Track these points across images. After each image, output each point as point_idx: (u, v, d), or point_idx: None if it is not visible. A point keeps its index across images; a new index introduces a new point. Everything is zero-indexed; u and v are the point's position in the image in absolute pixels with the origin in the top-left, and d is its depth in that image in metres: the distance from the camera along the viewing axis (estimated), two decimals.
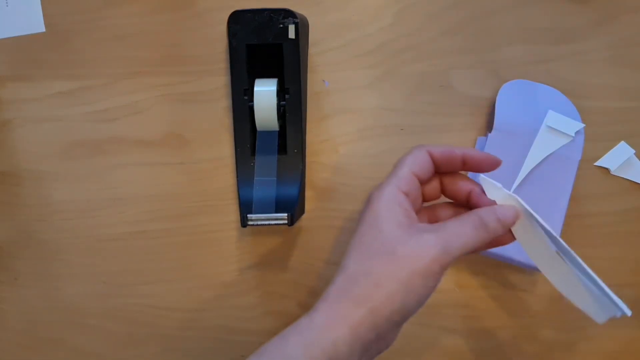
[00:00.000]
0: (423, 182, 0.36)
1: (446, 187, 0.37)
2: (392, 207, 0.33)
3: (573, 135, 0.45)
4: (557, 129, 0.45)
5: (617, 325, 0.48)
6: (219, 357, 0.51)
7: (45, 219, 0.50)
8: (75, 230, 0.50)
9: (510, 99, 0.46)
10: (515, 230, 0.35)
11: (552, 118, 0.45)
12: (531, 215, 0.34)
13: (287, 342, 0.31)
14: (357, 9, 0.48)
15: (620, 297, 0.31)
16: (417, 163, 0.35)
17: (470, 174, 0.45)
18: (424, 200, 0.38)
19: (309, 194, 0.49)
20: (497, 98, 0.46)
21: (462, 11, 0.48)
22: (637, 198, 0.48)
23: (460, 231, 0.32)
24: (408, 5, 0.48)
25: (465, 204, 0.37)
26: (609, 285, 0.32)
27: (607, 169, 0.47)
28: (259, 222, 0.43)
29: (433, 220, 0.38)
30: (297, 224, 0.48)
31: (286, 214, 0.43)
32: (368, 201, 0.35)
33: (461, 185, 0.37)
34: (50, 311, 0.51)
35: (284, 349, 0.31)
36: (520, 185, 0.45)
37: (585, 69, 0.47)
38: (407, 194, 0.34)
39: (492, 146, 0.46)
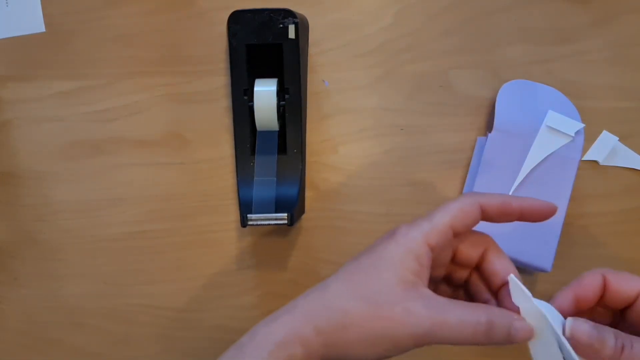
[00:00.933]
0: (459, 236, 0.32)
1: (486, 267, 0.33)
2: (406, 258, 0.30)
3: (573, 135, 0.45)
4: (557, 129, 0.45)
5: None
6: (219, 357, 0.51)
7: (45, 219, 0.50)
8: (75, 230, 0.50)
9: (510, 99, 0.46)
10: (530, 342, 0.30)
11: (552, 118, 0.45)
12: (556, 338, 0.29)
13: (243, 355, 0.31)
14: (357, 9, 0.48)
15: None
16: (462, 216, 0.31)
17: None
18: (453, 260, 0.34)
19: (309, 194, 0.49)
20: (497, 98, 0.46)
21: (462, 11, 0.48)
22: (637, 198, 0.48)
23: (457, 325, 0.29)
24: (408, 5, 0.48)
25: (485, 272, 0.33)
26: None
27: (596, 161, 0.47)
28: (259, 222, 0.43)
29: (448, 274, 0.35)
30: (297, 224, 0.48)
31: (286, 214, 0.43)
32: (392, 234, 0.32)
33: (500, 271, 0.32)
34: (50, 311, 0.51)
35: None
36: (520, 185, 0.45)
37: (585, 69, 0.47)
38: (433, 248, 0.31)
39: (492, 146, 0.46)
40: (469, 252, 0.33)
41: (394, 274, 0.30)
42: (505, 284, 0.32)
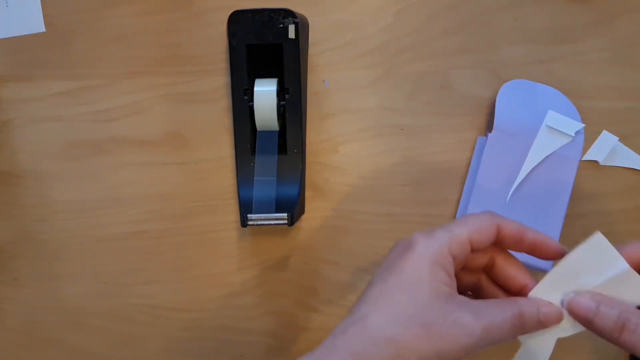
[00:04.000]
0: (473, 251, 0.32)
1: (498, 272, 0.33)
2: (437, 272, 0.29)
3: (573, 135, 0.45)
4: (557, 129, 0.45)
5: None
6: (219, 357, 0.51)
7: (45, 219, 0.50)
8: (75, 230, 0.50)
9: (510, 99, 0.46)
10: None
11: (552, 118, 0.45)
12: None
13: None
14: (357, 9, 0.48)
15: None
16: (481, 232, 0.31)
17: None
18: (465, 267, 0.34)
19: (309, 194, 0.49)
20: (497, 98, 0.46)
21: (462, 11, 0.48)
22: (637, 198, 0.48)
23: (500, 324, 0.29)
24: (408, 5, 0.48)
25: (491, 275, 0.34)
26: None
27: (596, 161, 0.47)
28: (259, 222, 0.43)
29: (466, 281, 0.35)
30: (297, 224, 0.48)
31: (286, 214, 0.43)
32: (410, 246, 0.31)
33: (515, 275, 0.32)
34: (50, 311, 0.51)
35: None
36: (520, 185, 0.45)
37: (585, 69, 0.47)
38: (454, 258, 0.30)
39: (492, 146, 0.46)
40: (478, 257, 0.33)
41: (428, 289, 0.29)
42: (522, 287, 0.32)
